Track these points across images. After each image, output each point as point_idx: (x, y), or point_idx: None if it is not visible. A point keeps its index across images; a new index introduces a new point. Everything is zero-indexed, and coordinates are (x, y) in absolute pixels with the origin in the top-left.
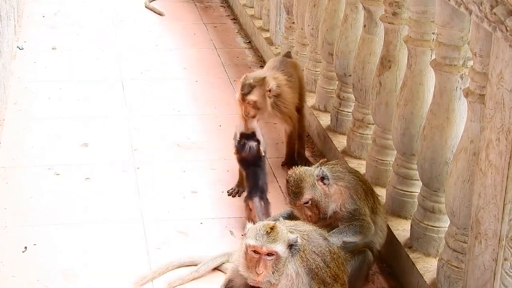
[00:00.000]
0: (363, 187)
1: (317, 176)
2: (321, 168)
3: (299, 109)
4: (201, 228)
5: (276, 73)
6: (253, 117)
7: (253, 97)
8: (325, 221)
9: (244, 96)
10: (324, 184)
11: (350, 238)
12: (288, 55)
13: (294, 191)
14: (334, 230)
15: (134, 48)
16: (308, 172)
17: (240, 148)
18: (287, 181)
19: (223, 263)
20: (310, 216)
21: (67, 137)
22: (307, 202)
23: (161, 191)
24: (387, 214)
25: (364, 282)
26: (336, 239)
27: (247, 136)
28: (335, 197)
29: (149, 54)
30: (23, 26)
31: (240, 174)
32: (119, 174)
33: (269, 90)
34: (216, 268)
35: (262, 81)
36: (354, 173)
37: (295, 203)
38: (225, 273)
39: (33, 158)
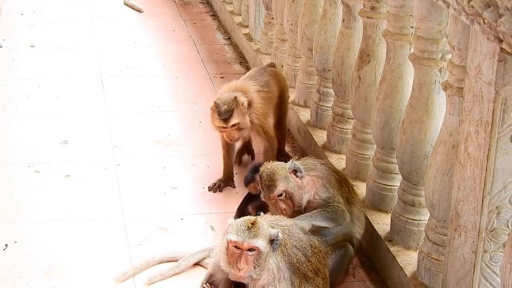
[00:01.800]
0: (336, 177)
1: (289, 169)
2: (292, 161)
3: (278, 123)
4: (182, 224)
5: (248, 83)
6: (237, 140)
7: (235, 119)
8: (301, 213)
9: (226, 121)
10: (297, 176)
11: (321, 223)
12: (271, 65)
13: (268, 184)
14: (304, 214)
15: (113, 45)
16: (280, 166)
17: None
18: (260, 176)
19: (204, 258)
20: (285, 209)
21: (47, 135)
22: (281, 195)
23: (142, 187)
24: (367, 208)
25: (345, 275)
26: (305, 223)
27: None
28: (308, 187)
29: (128, 51)
30: (1, 24)
31: (225, 167)
32: (99, 171)
33: (244, 106)
34: (197, 264)
35: (235, 100)
36: (326, 164)
37: (269, 196)
38: (206, 268)
39: (13, 155)
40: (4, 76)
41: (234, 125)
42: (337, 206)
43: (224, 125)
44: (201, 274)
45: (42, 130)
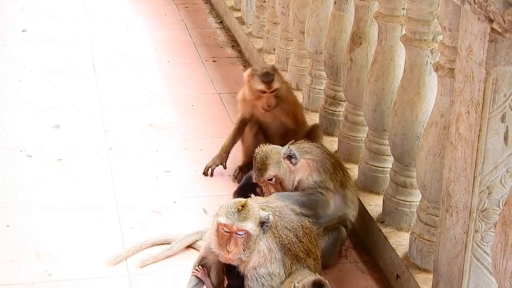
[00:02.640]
0: (331, 161)
1: (284, 154)
2: (289, 147)
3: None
4: (174, 207)
5: None
6: (273, 108)
7: (277, 84)
8: None
9: (269, 84)
10: (291, 163)
11: (296, 205)
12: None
13: (259, 167)
14: (285, 193)
15: (105, 30)
16: (275, 150)
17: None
18: (254, 158)
19: (196, 241)
20: (273, 193)
21: (39, 119)
22: (271, 179)
23: (134, 171)
24: (359, 189)
25: (338, 257)
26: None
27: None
28: (301, 169)
29: (120, 35)
30: None
31: (227, 144)
32: (91, 155)
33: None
34: (190, 246)
35: (275, 68)
36: (321, 147)
37: (259, 179)
38: (199, 251)
39: (5, 140)
40: None
41: (274, 90)
42: (323, 195)
43: (266, 89)
44: (193, 257)
45: (34, 114)
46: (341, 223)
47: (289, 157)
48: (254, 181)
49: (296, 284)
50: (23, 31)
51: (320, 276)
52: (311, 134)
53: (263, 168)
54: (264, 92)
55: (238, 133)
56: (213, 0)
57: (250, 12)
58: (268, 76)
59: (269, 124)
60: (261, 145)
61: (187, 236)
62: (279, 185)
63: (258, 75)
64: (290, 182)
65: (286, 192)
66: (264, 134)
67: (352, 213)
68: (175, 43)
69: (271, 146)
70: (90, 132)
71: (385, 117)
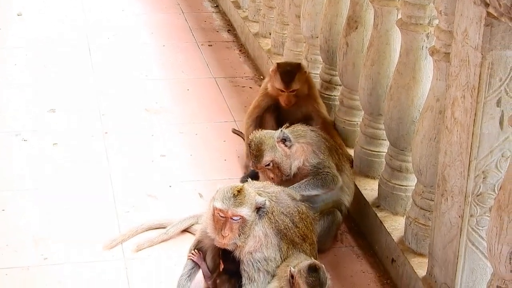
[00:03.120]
0: (326, 144)
1: (277, 138)
2: (282, 130)
3: None
4: (170, 191)
5: None
6: (293, 105)
7: (296, 84)
8: (292, 181)
9: (288, 84)
10: (286, 146)
11: (311, 191)
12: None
13: (255, 154)
14: (294, 185)
15: (101, 13)
16: (269, 135)
17: None
18: (249, 145)
19: (192, 225)
20: (272, 178)
21: (34, 103)
22: (268, 164)
23: (130, 155)
24: (355, 174)
25: (333, 241)
26: (296, 194)
27: None
28: (297, 154)
29: (116, 19)
30: None
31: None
32: (87, 139)
33: (305, 76)
34: (185, 230)
35: (300, 67)
36: (316, 131)
37: (256, 166)
38: (195, 235)
39: (0, 124)
40: None
41: (293, 90)
42: (328, 172)
43: (284, 89)
44: (189, 241)
45: (29, 98)
46: (336, 208)
47: (283, 140)
48: (252, 168)
49: (292, 269)
50: (18, 15)
51: (315, 261)
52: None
53: (259, 155)
54: (283, 91)
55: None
56: None
57: None
58: (288, 76)
59: (291, 112)
60: (254, 131)
61: (183, 220)
62: (277, 170)
63: (280, 73)
64: (288, 166)
65: (293, 185)
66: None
67: (347, 198)
68: (170, 27)
69: (265, 131)
70: (86, 116)
71: (380, 101)
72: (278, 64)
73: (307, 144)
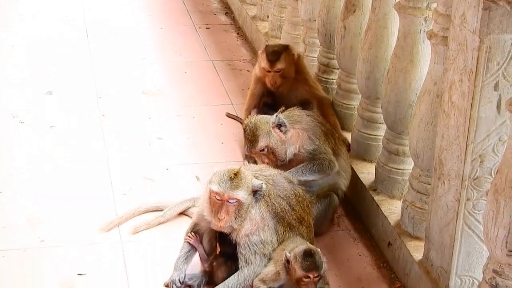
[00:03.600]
0: (322, 129)
1: (272, 124)
2: (277, 116)
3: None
4: (167, 174)
5: None
6: (279, 87)
7: (281, 64)
8: (287, 166)
9: (272, 63)
10: (281, 131)
11: (308, 177)
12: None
13: (250, 139)
14: (291, 170)
15: None
16: (264, 120)
17: None
18: (244, 130)
19: (189, 208)
20: (267, 163)
21: (32, 85)
22: (263, 150)
23: (127, 138)
24: (352, 157)
25: (330, 224)
26: (293, 179)
27: None
28: (292, 140)
29: (113, 1)
30: None
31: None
32: (84, 122)
33: (293, 57)
34: (182, 213)
35: (287, 48)
36: (312, 115)
37: (251, 151)
38: (191, 218)
39: None
40: None
41: (279, 70)
42: (324, 157)
43: (269, 68)
44: (186, 224)
45: (26, 80)
46: (333, 191)
47: (279, 125)
48: (247, 153)
49: (288, 254)
50: None
51: (311, 245)
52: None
53: (254, 140)
54: (269, 71)
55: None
56: None
57: None
58: (273, 55)
59: (286, 96)
60: (249, 116)
61: (179, 203)
62: (272, 155)
63: (266, 53)
64: (283, 152)
65: (290, 170)
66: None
67: (343, 182)
68: (168, 10)
69: (260, 116)
70: (83, 98)
71: (378, 85)
72: (266, 45)
73: (303, 130)
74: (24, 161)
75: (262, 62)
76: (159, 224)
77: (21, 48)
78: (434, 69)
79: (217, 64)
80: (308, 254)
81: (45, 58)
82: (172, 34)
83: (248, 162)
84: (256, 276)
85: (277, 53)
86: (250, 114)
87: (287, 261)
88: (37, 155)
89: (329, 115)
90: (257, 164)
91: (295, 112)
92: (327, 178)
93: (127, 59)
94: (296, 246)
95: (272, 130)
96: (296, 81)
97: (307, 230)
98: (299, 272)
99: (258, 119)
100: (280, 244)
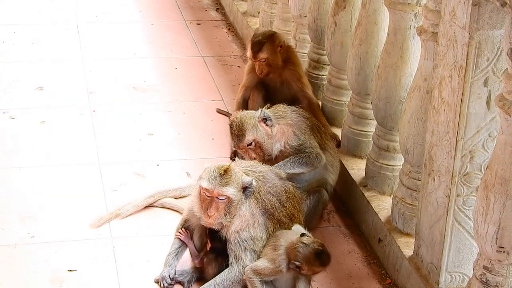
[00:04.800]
0: (308, 123)
1: (258, 118)
2: (262, 110)
3: None
4: (157, 170)
5: None
6: (267, 74)
7: (263, 54)
8: (273, 162)
9: (255, 54)
10: (267, 125)
11: (295, 169)
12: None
13: (237, 134)
14: (278, 163)
15: None
16: (250, 115)
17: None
18: (230, 126)
19: (176, 197)
20: (254, 158)
21: (22, 81)
22: (250, 144)
23: (118, 133)
24: (342, 153)
25: (320, 220)
26: (280, 172)
27: None
28: (278, 136)
29: None
30: None
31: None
32: (75, 117)
33: (280, 46)
34: (172, 209)
35: (272, 36)
36: (297, 111)
37: (238, 145)
38: (182, 214)
39: None
40: None
41: (263, 59)
42: (311, 151)
43: (252, 58)
44: (177, 220)
45: (17, 76)
46: (321, 187)
47: (264, 119)
48: (234, 148)
49: (297, 263)
50: None
51: (307, 239)
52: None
53: (241, 134)
54: (253, 61)
55: (242, 101)
56: None
57: None
58: (256, 46)
59: (278, 89)
60: (235, 112)
61: (168, 190)
62: (259, 149)
63: (251, 42)
64: (269, 146)
65: (277, 164)
66: (271, 99)
67: (331, 177)
68: (159, 5)
69: (245, 112)
70: (74, 94)
71: (368, 81)
72: (254, 33)
73: (287, 125)
74: (14, 156)
75: (248, 51)
76: (148, 205)
77: (12, 44)
78: (424, 65)
79: (207, 60)
80: (318, 253)
81: (36, 53)
82: (163, 30)
83: (234, 159)
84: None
85: (260, 43)
86: (240, 106)
87: (298, 267)
88: (27, 151)
89: (320, 116)
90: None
91: (280, 108)
92: (314, 172)
93: (118, 55)
94: (286, 241)
95: (258, 124)
96: (286, 70)
97: None
98: (318, 269)
99: (243, 114)
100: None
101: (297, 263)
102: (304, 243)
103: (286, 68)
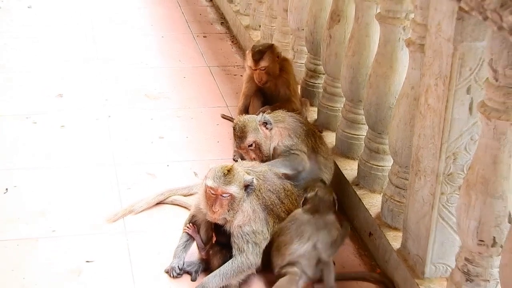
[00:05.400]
0: (304, 128)
1: (259, 122)
2: (263, 114)
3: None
4: (167, 170)
5: None
6: (265, 82)
7: (265, 62)
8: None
9: (256, 62)
10: (267, 128)
11: (280, 169)
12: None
13: (239, 135)
14: (267, 162)
15: (105, 7)
16: (252, 118)
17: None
18: (234, 128)
19: (185, 195)
20: (254, 158)
21: (43, 88)
22: (251, 145)
23: (131, 137)
24: (337, 155)
25: None
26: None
27: None
28: (275, 137)
29: (119, 12)
30: None
31: None
32: (92, 122)
33: (277, 57)
34: (180, 205)
35: (271, 47)
36: (295, 116)
37: (240, 146)
38: (189, 210)
39: (12, 108)
40: (3, 35)
41: (263, 68)
42: (298, 154)
43: (253, 66)
44: (184, 216)
45: (39, 84)
46: None
47: (265, 123)
48: (235, 148)
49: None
50: (28, 7)
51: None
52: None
53: (243, 136)
54: (254, 69)
55: (244, 108)
56: None
57: None
58: (257, 55)
59: (274, 96)
60: (238, 116)
61: (177, 188)
62: (258, 150)
63: (251, 53)
64: (268, 147)
65: (270, 161)
66: (268, 103)
67: (325, 176)
68: (169, 19)
69: (248, 115)
70: (91, 100)
71: (360, 88)
72: (253, 45)
73: (285, 129)
74: (37, 158)
75: (249, 61)
76: (158, 202)
77: (33, 54)
78: (412, 74)
79: (213, 70)
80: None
81: (56, 63)
82: (173, 42)
83: (237, 159)
84: (250, 265)
85: (261, 52)
86: (242, 113)
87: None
88: (48, 153)
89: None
90: (244, 159)
91: (279, 113)
92: (310, 172)
93: (131, 65)
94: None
95: (259, 127)
96: (279, 79)
97: None
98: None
99: (246, 118)
100: (271, 235)
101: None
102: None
103: (280, 76)
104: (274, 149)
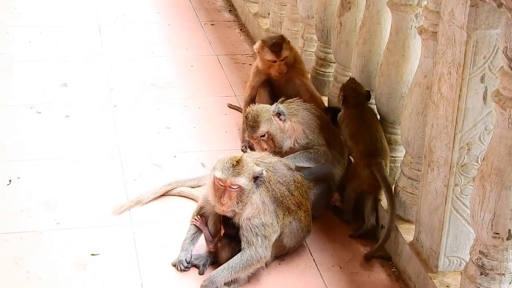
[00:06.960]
0: (318, 122)
1: (273, 112)
2: (277, 105)
3: None
4: (174, 161)
5: None
6: (285, 74)
7: (286, 52)
8: (283, 155)
9: (278, 53)
10: (280, 119)
11: (304, 163)
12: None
13: (252, 125)
14: (288, 156)
15: None
16: (265, 108)
17: None
18: (246, 117)
19: (193, 186)
20: (266, 149)
21: (48, 78)
22: (263, 135)
23: (137, 127)
24: None
25: (326, 209)
26: (290, 163)
27: None
28: (289, 133)
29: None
30: None
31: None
32: (97, 112)
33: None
34: (187, 197)
35: (283, 37)
36: (309, 109)
37: (252, 136)
38: (197, 202)
39: (16, 97)
40: (7, 23)
41: (284, 58)
42: (318, 148)
43: (276, 58)
44: (192, 207)
45: (43, 73)
46: (328, 179)
47: (278, 114)
48: (247, 138)
49: None
50: None
51: None
52: None
53: (255, 125)
54: (274, 61)
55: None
56: None
57: None
58: (277, 46)
59: (283, 87)
60: (251, 105)
61: (185, 180)
62: (271, 141)
63: (268, 46)
64: (281, 139)
65: (287, 156)
66: (277, 97)
67: (337, 172)
68: (175, 7)
69: (261, 105)
70: (96, 90)
71: (372, 77)
72: (262, 40)
73: (298, 123)
74: (41, 149)
75: (267, 55)
76: (166, 192)
77: (38, 43)
78: (424, 63)
79: (221, 58)
80: None
81: (60, 52)
82: (180, 30)
83: (245, 150)
84: (259, 258)
85: (278, 44)
86: (248, 105)
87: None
88: (53, 143)
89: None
90: (253, 150)
91: (293, 105)
92: (321, 168)
93: (137, 54)
94: None
95: (272, 118)
96: (292, 69)
97: (305, 214)
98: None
99: (259, 107)
100: (280, 227)
101: None
102: None
103: (293, 67)
104: (291, 148)
